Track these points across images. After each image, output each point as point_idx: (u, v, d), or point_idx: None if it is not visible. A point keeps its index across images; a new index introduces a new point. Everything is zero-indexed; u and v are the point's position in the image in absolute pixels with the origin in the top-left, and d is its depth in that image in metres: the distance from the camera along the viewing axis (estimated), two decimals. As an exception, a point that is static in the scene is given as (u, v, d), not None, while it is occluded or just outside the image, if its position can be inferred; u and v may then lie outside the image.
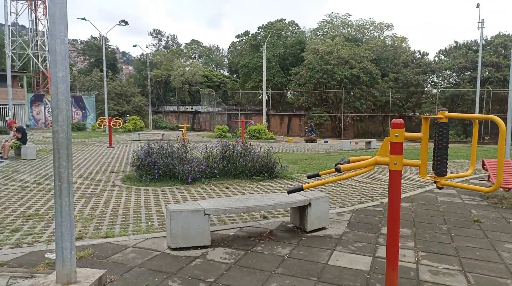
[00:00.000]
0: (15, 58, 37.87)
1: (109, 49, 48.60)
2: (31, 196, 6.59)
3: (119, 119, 18.54)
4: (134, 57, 65.43)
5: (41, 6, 38.31)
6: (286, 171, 9.25)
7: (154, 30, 54.70)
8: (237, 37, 51.19)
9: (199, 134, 31.57)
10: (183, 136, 17.43)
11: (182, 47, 58.64)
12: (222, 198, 4.83)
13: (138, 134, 21.20)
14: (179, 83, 44.71)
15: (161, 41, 58.26)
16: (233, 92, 46.89)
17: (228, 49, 56.49)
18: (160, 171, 7.85)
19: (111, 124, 16.52)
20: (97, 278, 3.04)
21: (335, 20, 47.49)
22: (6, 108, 28.47)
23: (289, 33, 48.68)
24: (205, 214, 4.05)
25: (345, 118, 36.68)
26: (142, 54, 50.44)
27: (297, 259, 3.86)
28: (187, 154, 8.49)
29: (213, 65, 62.03)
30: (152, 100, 42.74)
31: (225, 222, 5.11)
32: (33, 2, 38.01)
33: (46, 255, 3.77)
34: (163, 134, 21.92)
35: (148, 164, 7.93)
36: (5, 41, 23.12)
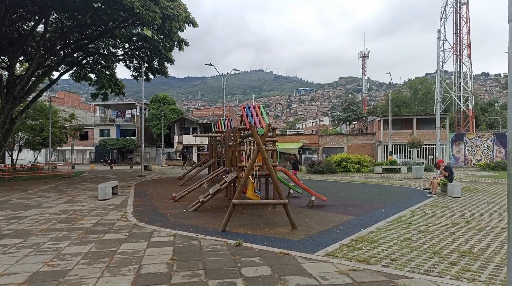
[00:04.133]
0: (440, 102, 41.46)
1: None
2: (461, 233, 6.92)
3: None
4: None
5: (466, 49, 39.86)
6: None
7: None
8: None
9: None
10: None
11: None
12: None
13: None
14: None
15: None
16: None
17: None
18: None
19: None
20: None
21: None
22: (430, 148, 31.66)
23: None
24: None
25: None
26: None
27: None
28: None
29: None
30: None
31: None
32: (458, 48, 40.32)
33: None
34: None
35: None
36: (434, 87, 25.76)
